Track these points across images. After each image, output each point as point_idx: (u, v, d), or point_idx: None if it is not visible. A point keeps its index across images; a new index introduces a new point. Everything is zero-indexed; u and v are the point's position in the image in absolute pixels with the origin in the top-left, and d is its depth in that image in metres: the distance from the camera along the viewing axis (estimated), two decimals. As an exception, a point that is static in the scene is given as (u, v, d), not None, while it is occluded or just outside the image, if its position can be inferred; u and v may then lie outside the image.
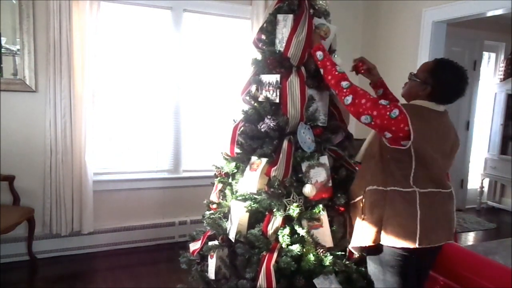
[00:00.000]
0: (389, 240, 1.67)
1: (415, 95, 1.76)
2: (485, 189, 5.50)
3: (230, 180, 2.12)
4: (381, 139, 1.72)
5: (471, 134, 5.25)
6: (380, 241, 1.70)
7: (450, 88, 1.72)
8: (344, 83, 1.74)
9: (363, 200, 1.77)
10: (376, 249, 1.73)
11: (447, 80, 1.70)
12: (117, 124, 3.56)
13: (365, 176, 1.82)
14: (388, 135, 1.66)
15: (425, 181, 1.71)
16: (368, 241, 1.71)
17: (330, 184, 1.86)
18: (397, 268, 1.73)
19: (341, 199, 1.86)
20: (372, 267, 1.80)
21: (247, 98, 2.12)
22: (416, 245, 1.65)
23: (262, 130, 1.90)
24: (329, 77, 1.80)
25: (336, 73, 1.78)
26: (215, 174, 2.20)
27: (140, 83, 3.59)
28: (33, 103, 3.13)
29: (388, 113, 1.63)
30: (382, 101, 1.68)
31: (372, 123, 1.67)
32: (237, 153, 2.08)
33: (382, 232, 1.69)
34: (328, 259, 1.73)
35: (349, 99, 1.71)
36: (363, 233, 1.74)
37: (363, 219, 1.75)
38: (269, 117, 1.90)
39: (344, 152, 2.00)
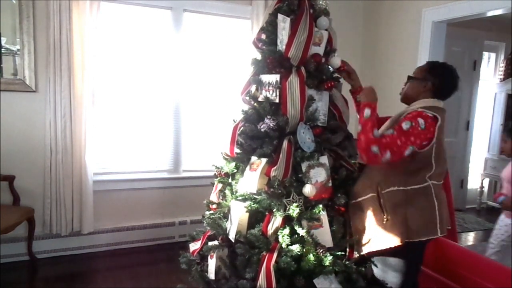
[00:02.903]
0: (415, 236, 1.77)
1: (417, 93, 1.90)
2: (485, 189, 5.50)
3: (230, 180, 2.12)
4: None
5: (471, 134, 5.26)
6: (407, 239, 1.77)
7: (448, 81, 1.88)
8: (374, 148, 1.71)
9: (382, 201, 1.81)
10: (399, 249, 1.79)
11: (443, 75, 1.87)
12: (117, 124, 3.56)
13: (373, 177, 1.87)
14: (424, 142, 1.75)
15: (435, 174, 1.82)
16: (396, 242, 1.77)
17: (330, 184, 1.86)
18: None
19: (341, 199, 1.85)
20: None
21: (247, 98, 2.12)
22: (439, 234, 1.78)
23: (262, 130, 1.90)
24: (362, 138, 1.77)
25: (372, 136, 1.75)
26: (215, 174, 2.20)
27: (140, 83, 3.59)
28: (33, 103, 3.13)
29: (418, 127, 1.72)
30: (403, 126, 1.73)
31: (416, 149, 1.73)
32: (237, 153, 2.08)
33: (408, 230, 1.77)
34: (328, 259, 1.72)
35: (387, 155, 1.71)
36: (388, 235, 1.79)
37: (386, 221, 1.79)
38: (269, 117, 1.89)
39: (344, 152, 2.00)
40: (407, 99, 1.96)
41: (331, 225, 1.84)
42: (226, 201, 2.10)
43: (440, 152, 1.80)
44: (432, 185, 1.81)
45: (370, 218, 1.84)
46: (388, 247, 1.79)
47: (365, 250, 1.85)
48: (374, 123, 1.80)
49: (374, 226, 1.82)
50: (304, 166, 1.84)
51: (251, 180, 1.87)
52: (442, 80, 1.87)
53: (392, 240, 1.77)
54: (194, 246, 2.18)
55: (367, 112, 1.82)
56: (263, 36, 2.10)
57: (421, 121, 1.72)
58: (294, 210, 1.76)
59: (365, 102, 1.86)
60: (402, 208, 1.78)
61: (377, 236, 1.81)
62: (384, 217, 1.79)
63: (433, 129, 1.74)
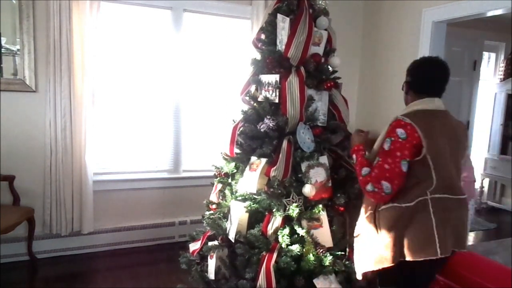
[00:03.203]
0: (409, 255, 1.63)
1: (405, 93, 1.83)
2: (485, 189, 5.50)
3: (229, 180, 2.12)
4: None
5: (471, 134, 5.25)
6: (400, 258, 1.64)
7: (422, 72, 1.78)
8: (368, 187, 1.65)
9: (376, 219, 1.71)
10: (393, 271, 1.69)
11: (419, 67, 1.80)
12: (117, 124, 3.55)
13: None
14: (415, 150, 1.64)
15: (439, 187, 1.66)
16: (388, 262, 1.65)
17: (330, 184, 1.86)
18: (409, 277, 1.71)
19: (340, 199, 1.86)
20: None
21: (247, 98, 2.12)
22: (438, 255, 1.60)
23: (262, 130, 1.90)
24: (360, 178, 1.72)
25: (361, 177, 1.69)
26: (215, 174, 2.20)
27: (140, 83, 3.59)
28: (33, 103, 3.13)
29: (399, 139, 1.61)
30: (385, 146, 1.64)
31: (407, 162, 1.62)
32: (237, 153, 2.08)
33: (402, 249, 1.64)
34: (328, 259, 1.73)
35: (385, 185, 1.62)
36: (381, 254, 1.68)
37: (380, 240, 1.68)
38: (268, 117, 1.90)
39: (343, 152, 2.00)
40: (405, 103, 1.87)
41: (331, 225, 1.85)
42: (226, 201, 2.10)
43: (439, 162, 1.64)
44: (432, 200, 1.64)
45: (365, 237, 1.75)
46: (380, 268, 1.69)
47: (360, 270, 1.77)
48: (362, 163, 1.73)
49: (368, 245, 1.74)
50: (303, 166, 1.84)
51: (251, 180, 1.87)
52: (417, 72, 1.79)
53: (385, 260, 1.66)
54: (194, 246, 2.19)
55: (354, 158, 1.79)
56: (263, 36, 2.10)
57: (400, 131, 1.62)
58: (294, 210, 1.76)
59: (351, 149, 1.84)
60: (396, 227, 1.66)
61: (370, 255, 1.72)
62: (378, 236, 1.69)
63: (417, 134, 1.61)
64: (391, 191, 1.61)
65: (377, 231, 1.70)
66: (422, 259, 1.62)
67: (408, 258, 1.63)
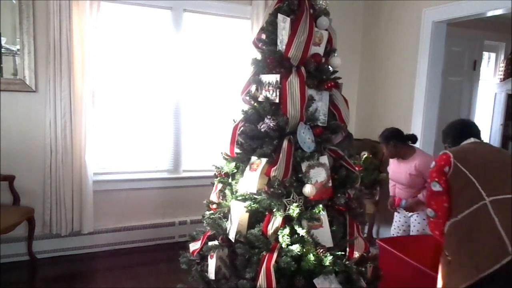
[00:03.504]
0: (485, 267, 1.56)
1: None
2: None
3: (230, 180, 2.12)
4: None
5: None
6: (477, 276, 1.57)
7: (449, 128, 2.08)
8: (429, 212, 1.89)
9: (444, 238, 1.75)
10: None
11: (444, 130, 2.11)
12: (117, 124, 3.56)
13: None
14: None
15: (491, 189, 1.67)
16: (468, 280, 1.60)
17: (330, 184, 1.86)
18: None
19: (341, 199, 1.85)
20: None
21: (247, 98, 2.12)
22: (510, 251, 1.54)
23: (262, 130, 1.90)
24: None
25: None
26: (215, 174, 2.20)
27: (140, 83, 3.59)
28: (33, 103, 3.13)
29: (430, 166, 1.89)
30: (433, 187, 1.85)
31: (436, 182, 1.82)
32: (237, 153, 2.07)
33: (476, 265, 1.58)
34: (328, 259, 1.72)
35: (429, 211, 1.87)
36: (456, 274, 1.63)
37: (449, 262, 1.66)
38: (269, 117, 1.89)
39: (344, 152, 1.99)
40: None
41: (331, 225, 1.84)
42: (226, 201, 2.10)
43: (484, 165, 1.74)
44: (492, 202, 1.63)
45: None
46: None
47: None
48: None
49: (440, 269, 1.75)
50: (304, 166, 1.84)
51: (251, 180, 1.87)
52: (446, 135, 2.08)
53: (461, 280, 1.61)
54: (194, 246, 2.18)
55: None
56: (263, 36, 2.10)
57: (432, 163, 1.88)
58: (294, 210, 1.76)
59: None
60: (464, 242, 1.62)
61: (445, 280, 1.70)
62: (447, 256, 1.68)
63: (445, 156, 1.82)
64: (434, 214, 1.79)
65: (445, 251, 1.73)
66: (497, 266, 1.53)
67: (484, 271, 1.55)
